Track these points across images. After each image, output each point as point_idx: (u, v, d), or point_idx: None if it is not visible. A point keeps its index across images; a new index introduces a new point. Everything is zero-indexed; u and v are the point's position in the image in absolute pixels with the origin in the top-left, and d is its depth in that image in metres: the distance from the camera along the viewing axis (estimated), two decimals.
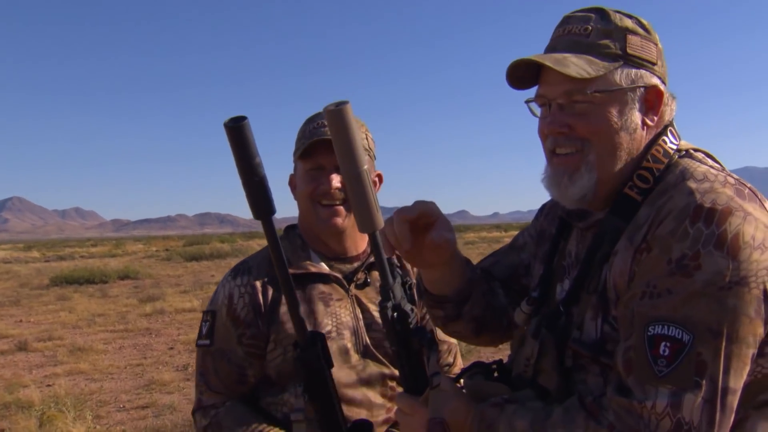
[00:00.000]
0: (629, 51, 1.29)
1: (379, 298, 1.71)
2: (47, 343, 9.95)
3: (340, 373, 1.82)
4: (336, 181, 1.88)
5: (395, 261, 1.36)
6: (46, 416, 5.94)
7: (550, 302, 1.42)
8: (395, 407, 1.87)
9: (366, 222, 1.25)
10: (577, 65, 1.26)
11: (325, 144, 1.84)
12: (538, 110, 1.37)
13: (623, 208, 1.28)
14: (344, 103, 1.17)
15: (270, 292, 1.89)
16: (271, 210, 1.23)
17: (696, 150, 1.35)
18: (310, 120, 1.96)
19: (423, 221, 1.35)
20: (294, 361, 1.42)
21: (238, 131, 1.17)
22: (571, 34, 1.31)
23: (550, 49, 1.34)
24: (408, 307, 1.32)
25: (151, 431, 5.85)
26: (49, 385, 7.52)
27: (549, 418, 1.20)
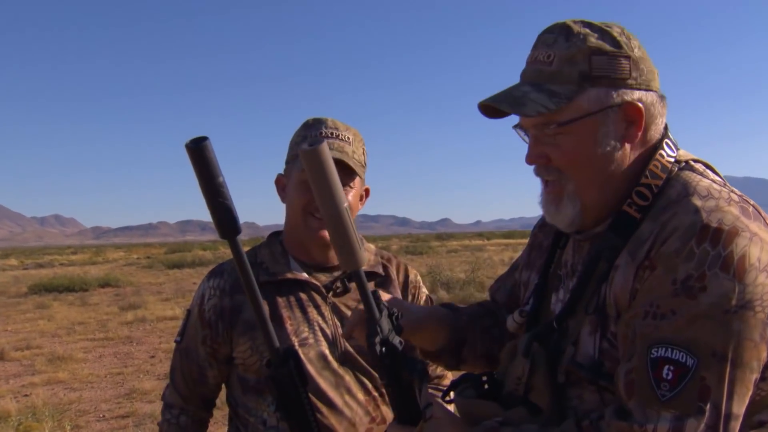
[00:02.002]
0: (594, 73, 1.25)
1: (358, 305, 1.71)
2: (25, 352, 9.82)
3: (320, 380, 1.82)
4: None
5: (380, 294, 1.36)
6: (23, 427, 5.86)
7: (543, 313, 1.40)
8: (379, 417, 1.86)
9: (348, 260, 1.24)
10: (536, 102, 1.25)
11: None
12: (525, 135, 1.36)
13: (622, 226, 1.26)
14: (319, 142, 1.17)
15: (237, 296, 1.90)
16: (236, 230, 1.19)
17: (696, 161, 1.32)
18: (310, 126, 1.95)
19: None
20: (265, 380, 1.42)
21: (199, 152, 1.13)
22: (536, 63, 1.30)
23: (521, 77, 1.33)
24: (396, 340, 1.31)
25: None
26: (26, 395, 7.41)
27: None
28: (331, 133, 1.91)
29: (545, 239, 1.53)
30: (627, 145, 1.28)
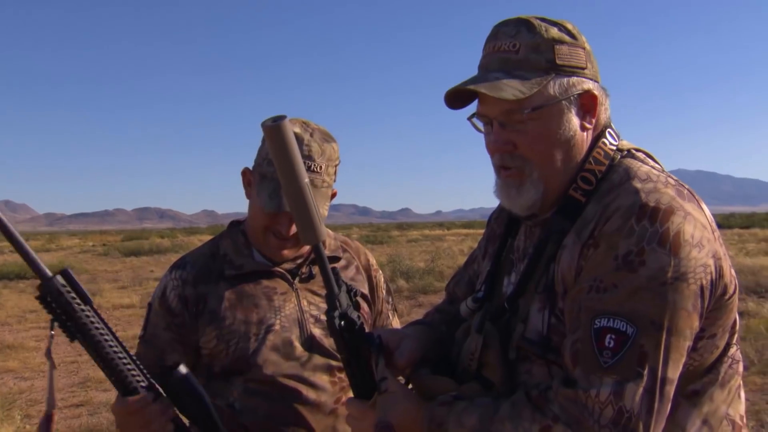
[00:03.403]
0: (558, 62, 1.32)
1: (325, 291, 1.72)
2: None
3: (285, 365, 1.85)
4: (294, 229, 1.87)
5: (339, 270, 1.39)
6: None
7: (496, 297, 1.46)
8: (344, 398, 1.88)
9: (308, 234, 1.27)
10: (512, 87, 1.29)
11: None
12: (480, 125, 1.40)
13: (568, 209, 1.33)
14: (282, 118, 1.18)
15: (201, 287, 1.91)
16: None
17: (637, 150, 1.40)
18: None
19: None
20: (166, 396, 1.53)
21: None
22: (501, 52, 1.34)
23: (483, 67, 1.37)
24: (355, 314, 1.34)
25: (86, 430, 5.70)
26: None
27: (497, 414, 1.23)
28: (306, 165, 1.82)
29: (498, 228, 1.59)
30: (583, 133, 1.36)
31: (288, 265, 1.97)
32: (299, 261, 1.98)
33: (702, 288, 1.20)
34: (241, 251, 1.96)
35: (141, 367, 1.55)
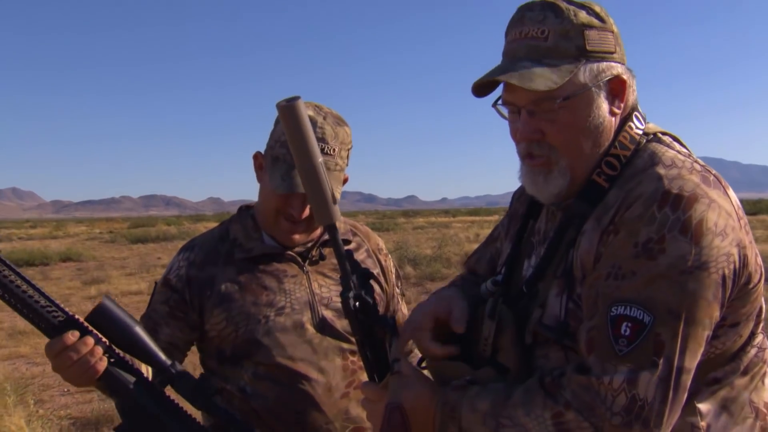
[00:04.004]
0: (588, 47, 1.29)
1: (336, 274, 1.72)
2: None
3: (296, 348, 1.86)
4: (307, 210, 1.89)
5: (352, 252, 1.39)
6: None
7: (515, 280, 1.44)
8: (356, 381, 1.89)
9: (322, 214, 1.28)
10: (543, 77, 1.26)
11: None
12: (505, 112, 1.37)
13: (590, 194, 1.31)
14: (296, 98, 1.19)
15: (209, 268, 1.92)
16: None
17: (663, 134, 1.37)
18: None
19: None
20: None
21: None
22: (528, 38, 1.30)
23: (510, 54, 1.33)
24: (369, 296, 1.34)
25: (97, 415, 5.76)
26: None
27: (509, 399, 1.22)
28: (319, 147, 1.86)
29: (521, 208, 1.56)
30: (612, 118, 1.33)
31: (298, 249, 1.98)
32: (309, 244, 1.99)
33: (724, 277, 1.17)
34: (250, 235, 1.97)
35: (60, 305, 1.50)
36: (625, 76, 1.33)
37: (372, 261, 2.08)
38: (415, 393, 1.32)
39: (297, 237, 1.94)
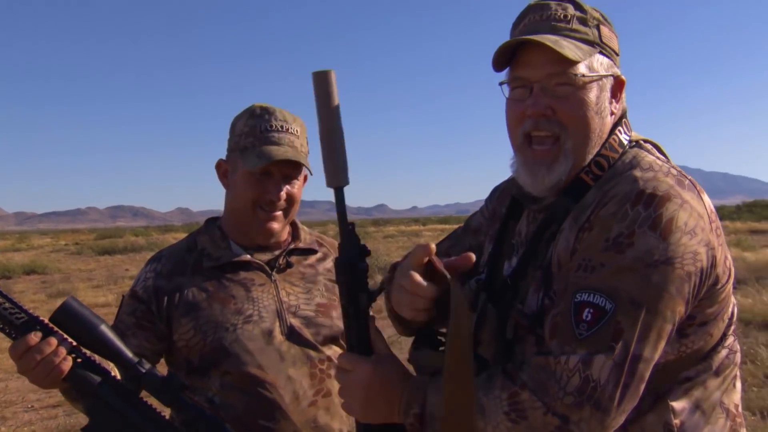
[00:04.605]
0: (603, 40, 1.36)
1: (304, 283, 1.80)
2: None
3: (263, 355, 1.86)
4: (285, 191, 1.94)
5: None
6: None
7: (497, 281, 1.46)
8: (324, 390, 1.90)
9: (336, 175, 1.32)
10: (570, 47, 1.30)
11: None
12: (507, 93, 1.40)
13: (575, 192, 1.34)
14: (330, 70, 1.31)
15: (176, 279, 1.93)
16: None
17: (645, 141, 1.42)
18: (258, 116, 1.94)
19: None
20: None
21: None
22: (551, 19, 1.35)
23: (531, 32, 1.34)
24: (362, 265, 1.35)
25: (63, 430, 5.65)
26: None
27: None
28: (281, 126, 1.92)
29: (500, 208, 1.58)
30: (610, 118, 1.38)
31: (266, 257, 1.99)
32: (277, 252, 2.01)
33: (689, 274, 1.20)
34: (218, 244, 1.98)
35: (23, 306, 1.50)
36: (623, 78, 1.39)
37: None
38: (388, 370, 1.32)
39: (275, 226, 1.96)
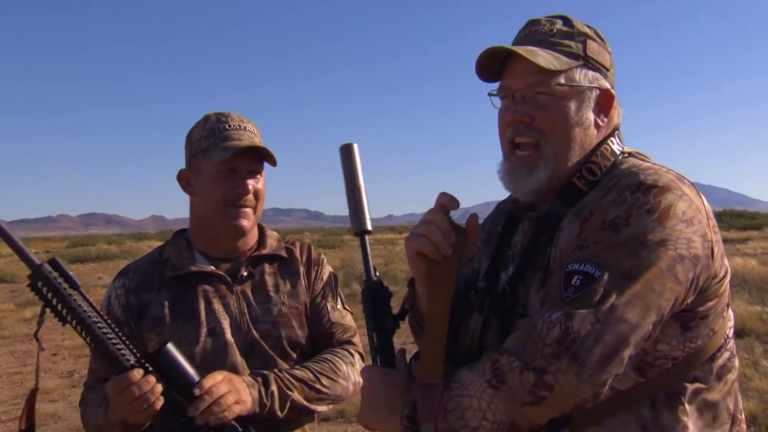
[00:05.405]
0: (588, 54, 1.41)
1: (264, 295, 1.92)
2: None
3: (223, 369, 1.84)
4: (251, 185, 1.96)
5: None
6: None
7: (495, 289, 1.47)
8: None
9: (360, 221, 1.51)
10: (545, 57, 1.35)
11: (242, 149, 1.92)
12: (499, 104, 1.46)
13: (569, 196, 1.38)
14: (352, 143, 1.53)
15: (144, 294, 1.95)
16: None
17: (638, 153, 1.47)
18: (214, 121, 1.98)
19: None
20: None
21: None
22: (537, 33, 1.42)
23: (518, 43, 1.43)
24: (385, 293, 1.46)
25: None
26: None
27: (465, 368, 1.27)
28: (239, 125, 1.97)
29: (494, 229, 1.62)
30: (595, 130, 1.42)
31: (229, 266, 2.01)
32: (241, 261, 2.02)
33: (681, 257, 1.22)
34: (183, 255, 2.00)
35: (129, 345, 1.64)
36: (613, 92, 1.43)
37: (304, 270, 2.10)
38: (399, 382, 1.38)
39: (245, 223, 1.97)
